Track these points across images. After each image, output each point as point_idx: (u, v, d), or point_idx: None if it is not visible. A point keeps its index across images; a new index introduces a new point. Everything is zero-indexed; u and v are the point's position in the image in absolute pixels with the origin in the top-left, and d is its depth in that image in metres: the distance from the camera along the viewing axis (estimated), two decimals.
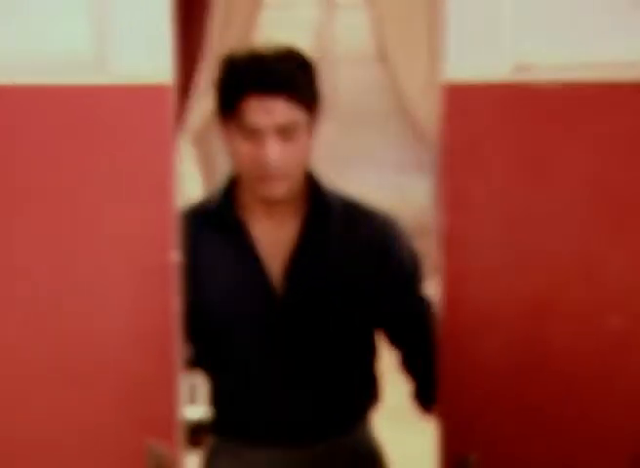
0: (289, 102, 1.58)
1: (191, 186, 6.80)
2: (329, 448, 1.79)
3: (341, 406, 1.79)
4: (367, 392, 1.86)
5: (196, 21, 6.59)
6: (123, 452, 1.26)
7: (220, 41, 6.59)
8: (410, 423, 4.25)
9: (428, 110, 6.69)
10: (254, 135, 1.59)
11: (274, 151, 1.59)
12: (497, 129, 1.22)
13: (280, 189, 1.66)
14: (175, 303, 1.21)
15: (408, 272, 1.82)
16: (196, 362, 1.85)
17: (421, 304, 1.83)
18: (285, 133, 1.59)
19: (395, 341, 1.84)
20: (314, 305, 1.74)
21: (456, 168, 1.24)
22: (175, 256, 1.19)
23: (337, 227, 1.77)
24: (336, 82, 7.20)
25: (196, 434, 2.90)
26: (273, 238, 1.76)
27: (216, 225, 1.76)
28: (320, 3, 7.02)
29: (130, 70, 1.16)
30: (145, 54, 1.15)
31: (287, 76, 1.58)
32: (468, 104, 1.21)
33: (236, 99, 1.58)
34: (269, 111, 1.57)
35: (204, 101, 6.69)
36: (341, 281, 1.75)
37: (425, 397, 1.81)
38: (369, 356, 1.86)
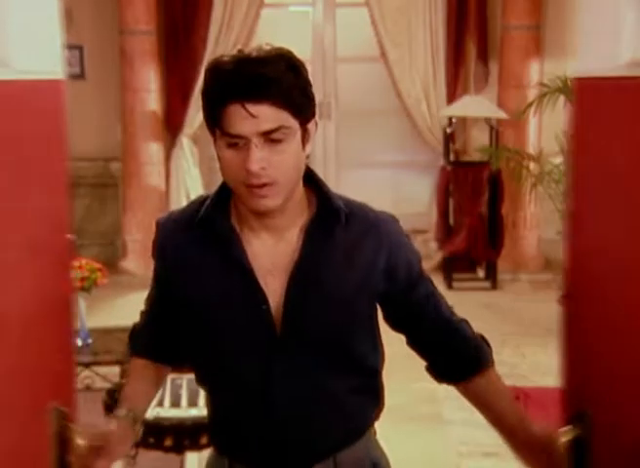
0: (274, 107, 1.46)
1: (192, 185, 6.81)
2: (331, 465, 1.66)
3: (346, 421, 1.68)
4: (372, 403, 1.74)
5: (196, 28, 6.60)
6: (30, 414, 1.35)
7: (220, 45, 6.60)
8: (410, 423, 4.26)
9: (428, 110, 6.70)
10: (238, 142, 1.47)
11: (259, 159, 1.46)
12: (615, 119, 1.30)
13: (272, 201, 1.52)
14: (69, 280, 1.31)
15: (416, 273, 1.71)
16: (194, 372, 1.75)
17: (426, 294, 1.73)
18: (272, 139, 1.47)
19: (400, 328, 1.75)
20: (317, 319, 1.60)
21: (581, 155, 1.30)
22: (69, 237, 1.31)
23: (343, 235, 1.61)
24: (335, 82, 7.20)
25: (196, 435, 2.90)
26: (273, 252, 1.60)
27: (206, 234, 1.61)
28: (321, 2, 7.02)
29: (29, 67, 1.29)
30: (41, 53, 1.30)
31: (271, 80, 1.45)
32: (592, 96, 1.29)
33: (219, 107, 1.47)
34: (252, 117, 1.45)
35: None
36: (348, 291, 1.61)
37: (436, 369, 1.75)
38: (375, 364, 1.73)
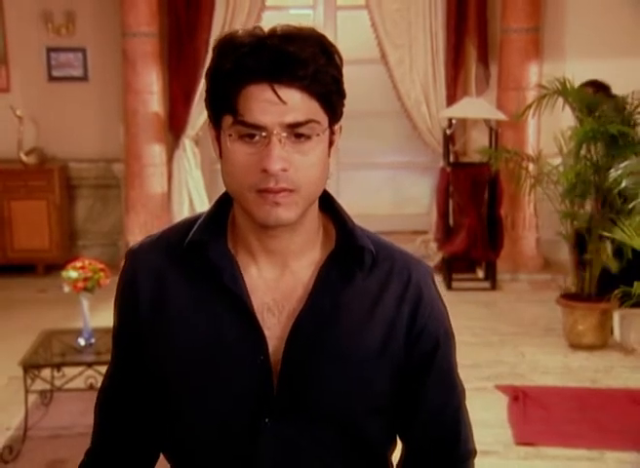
0: (304, 95, 1.16)
1: (194, 186, 6.81)
2: None
3: None
4: None
5: (198, 31, 6.61)
6: None
7: None
8: None
9: (428, 112, 6.70)
10: (255, 136, 1.17)
11: (280, 157, 1.16)
12: None
13: (286, 213, 1.19)
14: None
15: (440, 357, 1.33)
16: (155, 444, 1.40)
17: (442, 404, 1.35)
18: (297, 134, 1.17)
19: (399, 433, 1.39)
20: (324, 384, 1.26)
21: None
22: None
23: (364, 283, 1.28)
24: None
25: None
26: (275, 285, 1.28)
27: (194, 263, 1.27)
28: (322, 5, 7.03)
29: None
30: None
31: (303, 61, 1.16)
32: None
33: (234, 88, 1.17)
34: (279, 104, 1.15)
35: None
36: (365, 354, 1.27)
37: None
38: (386, 450, 1.39)
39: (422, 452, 1.37)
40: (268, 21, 6.42)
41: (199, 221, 1.29)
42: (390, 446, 1.39)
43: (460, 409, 1.38)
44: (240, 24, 6.56)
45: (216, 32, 6.57)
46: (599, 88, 5.42)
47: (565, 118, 5.39)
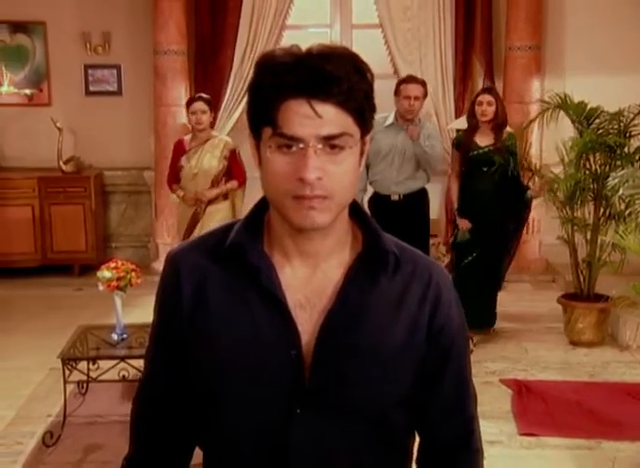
0: (339, 109, 1.18)
1: None
2: None
3: None
4: None
5: (223, 49, 6.63)
6: None
7: (245, 64, 6.62)
8: None
9: (437, 123, 6.68)
10: (293, 147, 1.18)
11: (316, 167, 1.17)
12: None
13: (321, 217, 1.20)
14: None
15: (456, 354, 1.35)
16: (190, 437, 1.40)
17: (458, 395, 1.36)
18: (332, 146, 1.18)
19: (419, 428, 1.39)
20: (353, 377, 1.26)
21: None
22: None
23: (389, 283, 1.29)
24: None
25: None
26: (307, 283, 1.28)
27: (233, 264, 1.28)
28: (338, 24, 7.04)
29: None
30: None
31: (338, 78, 1.17)
32: None
33: (276, 102, 1.17)
34: (316, 118, 1.16)
35: (231, 114, 6.73)
36: (391, 349, 1.28)
37: None
38: (409, 444, 1.40)
39: (439, 446, 1.38)
40: (288, 40, 6.43)
41: (237, 226, 1.30)
42: (412, 437, 1.39)
43: (473, 407, 1.39)
44: (262, 43, 6.59)
45: (239, 50, 6.60)
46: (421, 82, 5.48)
47: (566, 129, 5.37)
